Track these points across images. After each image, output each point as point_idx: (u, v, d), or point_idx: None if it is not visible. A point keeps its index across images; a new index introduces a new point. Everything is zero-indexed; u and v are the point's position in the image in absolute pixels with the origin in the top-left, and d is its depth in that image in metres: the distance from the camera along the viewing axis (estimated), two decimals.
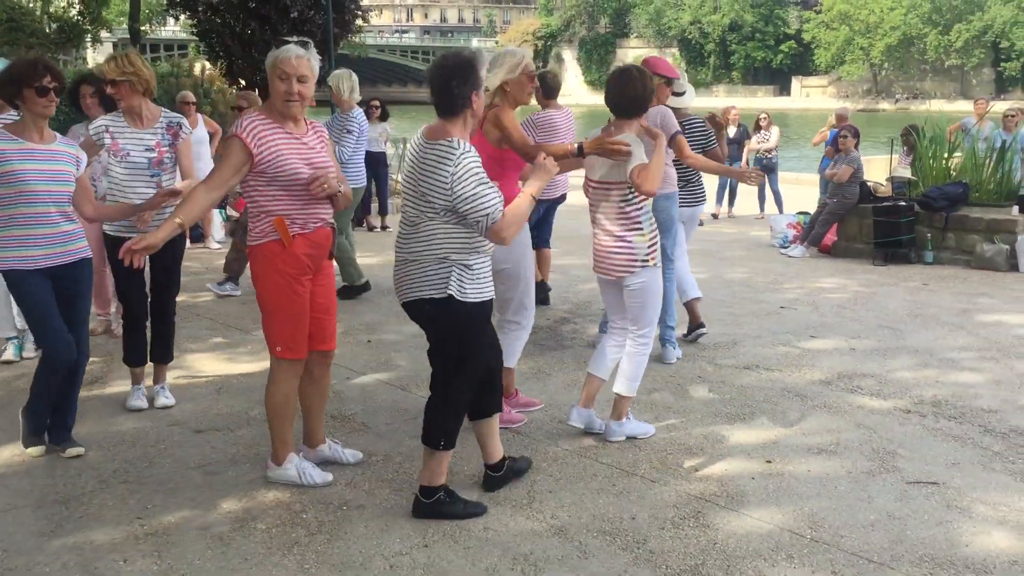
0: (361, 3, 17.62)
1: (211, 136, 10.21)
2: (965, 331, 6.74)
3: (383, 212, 12.24)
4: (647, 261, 4.35)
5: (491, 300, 3.72)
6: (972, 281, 8.62)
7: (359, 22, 17.80)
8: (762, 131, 13.58)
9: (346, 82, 7.46)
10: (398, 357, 6.02)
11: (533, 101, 5.61)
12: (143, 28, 23.65)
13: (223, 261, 8.09)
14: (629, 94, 4.31)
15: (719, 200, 13.75)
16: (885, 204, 9.79)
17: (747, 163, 13.58)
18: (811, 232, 10.36)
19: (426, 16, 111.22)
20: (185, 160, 4.83)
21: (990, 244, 9.20)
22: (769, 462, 4.27)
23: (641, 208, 4.33)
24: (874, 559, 3.38)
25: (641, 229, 4.34)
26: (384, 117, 12.35)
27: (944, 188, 9.76)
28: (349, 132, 7.38)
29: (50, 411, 4.30)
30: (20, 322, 5.79)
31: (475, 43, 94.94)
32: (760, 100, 72.54)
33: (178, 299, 5.12)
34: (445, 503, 3.67)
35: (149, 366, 5.03)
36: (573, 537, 3.54)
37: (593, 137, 4.46)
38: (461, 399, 3.69)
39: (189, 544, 3.46)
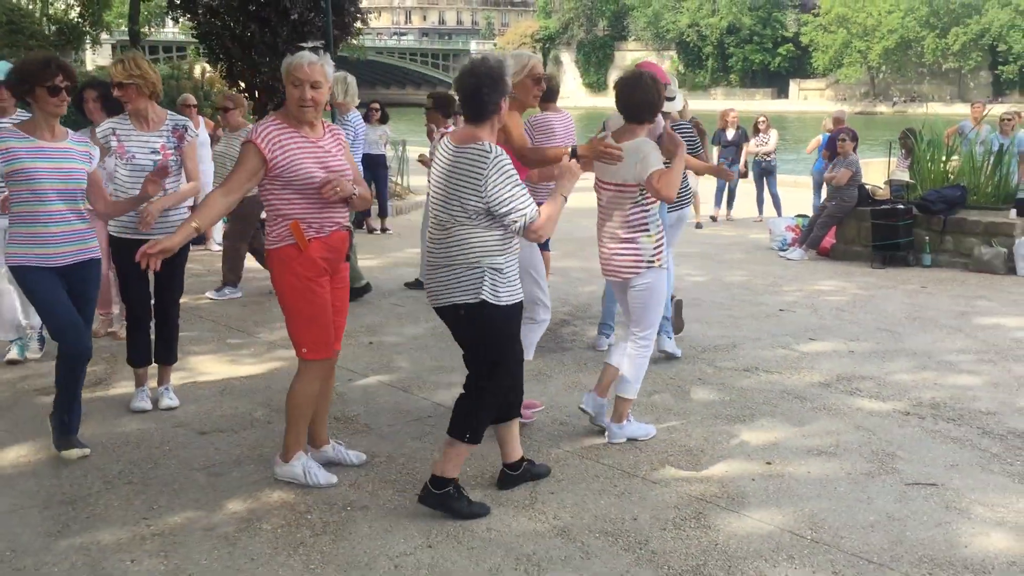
0: (360, 5, 17.65)
1: (212, 138, 10.24)
2: (963, 334, 6.78)
3: (383, 214, 12.27)
4: (652, 262, 4.41)
5: (522, 301, 3.81)
6: (970, 284, 8.67)
7: (358, 24, 17.82)
8: (761, 134, 13.63)
9: (340, 85, 7.49)
10: (399, 359, 6.05)
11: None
12: (142, 30, 23.66)
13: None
14: (638, 99, 4.36)
15: (717, 203, 13.80)
16: (883, 207, 9.84)
17: (746, 165, 13.63)
18: (810, 235, 10.40)
19: (424, 19, 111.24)
20: (190, 163, 4.86)
21: (988, 247, 9.24)
22: (769, 463, 4.31)
23: (649, 210, 4.40)
24: (874, 560, 3.41)
25: (648, 231, 4.40)
26: (384, 120, 12.39)
27: (942, 191, 9.82)
28: None
29: (76, 408, 4.26)
30: (24, 320, 5.82)
31: (473, 46, 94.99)
32: (758, 103, 72.57)
33: (180, 301, 5.14)
34: (452, 497, 3.70)
35: (153, 368, 5.06)
36: (575, 538, 3.57)
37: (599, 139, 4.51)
38: (495, 401, 3.76)
39: (195, 544, 3.49)
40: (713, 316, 7.29)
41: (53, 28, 22.43)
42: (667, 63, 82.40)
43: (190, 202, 5.08)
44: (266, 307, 7.37)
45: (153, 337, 5.02)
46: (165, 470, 4.20)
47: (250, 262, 8.34)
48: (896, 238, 9.60)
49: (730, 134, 13.47)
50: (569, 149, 4.43)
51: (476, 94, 3.62)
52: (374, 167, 11.34)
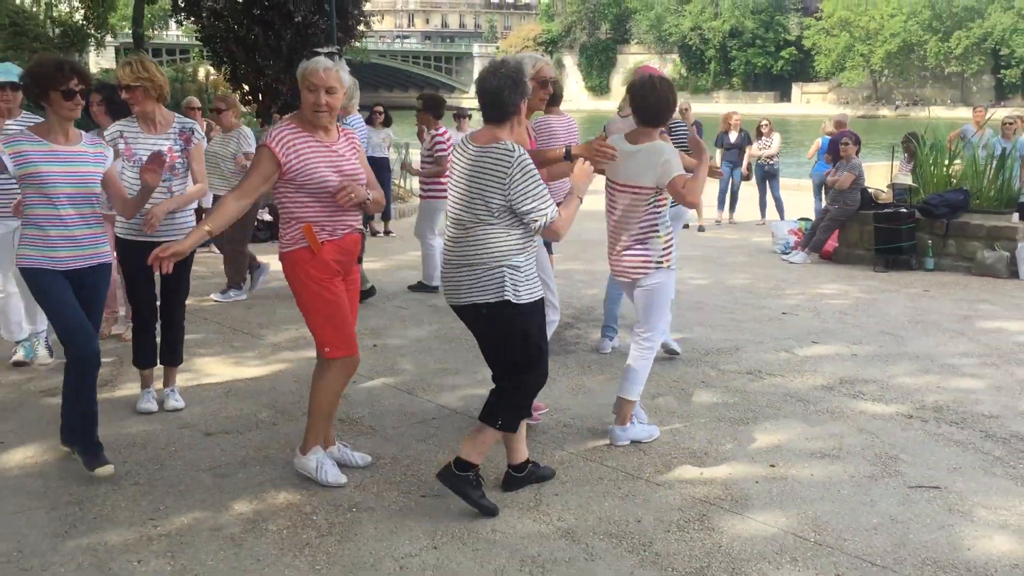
0: (364, 8, 17.69)
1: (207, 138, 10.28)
2: (966, 337, 6.80)
3: (385, 217, 12.30)
4: (661, 263, 4.46)
5: (543, 298, 3.89)
6: (973, 288, 8.67)
7: (362, 27, 17.87)
8: (763, 137, 13.64)
9: None
10: (403, 361, 6.07)
11: None
12: (146, 33, 23.74)
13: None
14: (651, 102, 4.40)
15: (720, 206, 13.81)
16: (886, 211, 9.85)
17: (748, 168, 13.65)
18: (812, 238, 10.41)
19: (427, 22, 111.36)
20: (197, 165, 4.88)
21: (991, 251, 9.25)
22: (772, 466, 4.32)
23: (660, 212, 4.46)
24: (877, 562, 3.42)
25: (659, 232, 4.45)
26: (387, 123, 12.43)
27: (945, 195, 9.82)
28: None
29: (93, 416, 4.14)
30: (28, 326, 5.83)
31: (476, 49, 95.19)
32: (760, 106, 72.56)
33: (185, 303, 5.17)
34: (470, 483, 3.74)
35: (158, 369, 5.09)
36: (580, 539, 3.59)
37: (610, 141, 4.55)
38: (530, 393, 3.86)
39: (202, 545, 3.51)
40: (716, 319, 7.30)
41: (57, 30, 22.50)
42: (669, 66, 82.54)
43: (195, 204, 5.11)
44: (271, 309, 7.39)
45: (159, 339, 5.05)
46: (171, 471, 4.22)
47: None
48: (899, 242, 9.61)
49: (733, 137, 13.49)
50: (563, 150, 4.48)
51: (499, 96, 3.70)
52: (377, 170, 11.19)
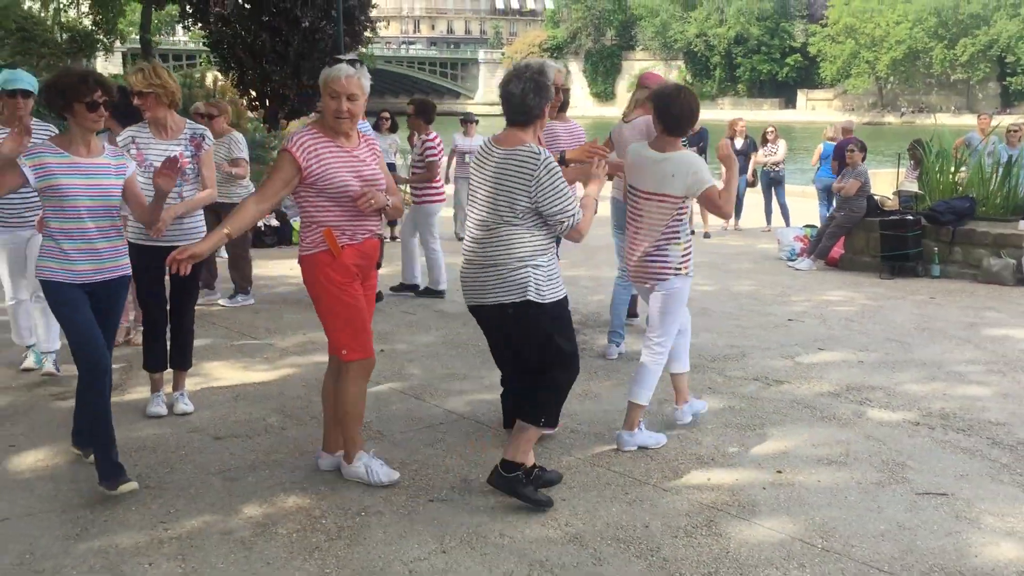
0: (370, 14, 17.77)
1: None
2: (972, 345, 6.80)
3: (392, 223, 12.31)
4: (679, 269, 4.52)
5: (566, 296, 3.94)
6: (979, 295, 8.68)
7: (368, 33, 17.95)
8: (769, 144, 13.66)
9: None
10: (411, 366, 6.09)
11: None
12: (154, 38, 23.86)
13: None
14: (675, 112, 4.44)
15: None
16: (892, 218, 9.86)
17: (754, 175, 13.66)
18: (818, 245, 10.42)
19: (433, 27, 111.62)
20: (207, 170, 4.92)
21: (997, 258, 9.26)
22: (780, 472, 4.33)
23: (682, 220, 4.53)
24: (884, 569, 3.44)
25: (679, 238, 4.51)
26: (393, 129, 12.47)
27: (951, 202, 9.83)
28: None
29: (108, 430, 4.04)
30: (46, 345, 5.80)
31: (481, 55, 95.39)
32: (766, 113, 72.57)
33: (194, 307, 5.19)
34: (520, 482, 3.83)
35: (168, 373, 5.11)
36: (588, 544, 3.60)
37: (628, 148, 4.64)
38: (563, 390, 3.91)
39: (212, 548, 3.53)
40: (722, 326, 7.31)
41: (65, 36, 22.62)
42: (675, 73, 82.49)
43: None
44: (278, 314, 7.42)
45: (168, 343, 5.07)
46: (181, 475, 4.24)
47: (260, 270, 8.41)
48: (905, 249, 9.62)
49: (738, 143, 13.50)
50: (559, 155, 4.53)
51: (523, 100, 3.76)
52: None
